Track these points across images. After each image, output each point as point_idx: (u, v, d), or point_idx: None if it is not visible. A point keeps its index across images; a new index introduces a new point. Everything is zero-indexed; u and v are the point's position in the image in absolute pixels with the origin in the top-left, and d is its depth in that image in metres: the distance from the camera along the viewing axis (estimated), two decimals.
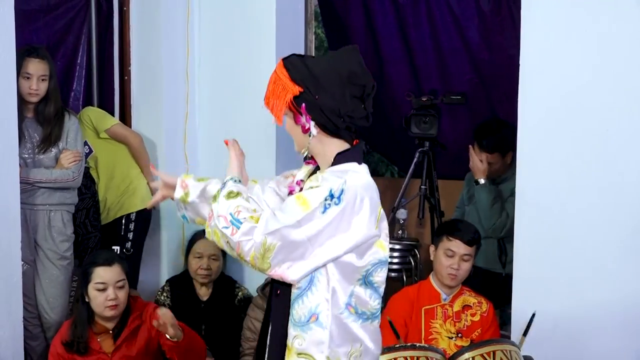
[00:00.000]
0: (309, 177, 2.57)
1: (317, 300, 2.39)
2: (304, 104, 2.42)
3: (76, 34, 5.35)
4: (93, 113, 4.80)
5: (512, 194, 4.63)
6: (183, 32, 4.96)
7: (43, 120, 4.36)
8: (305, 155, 2.55)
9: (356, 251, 2.38)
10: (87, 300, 3.79)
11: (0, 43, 3.73)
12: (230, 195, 2.41)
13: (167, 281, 4.74)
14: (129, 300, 3.86)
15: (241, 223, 2.33)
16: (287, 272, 2.34)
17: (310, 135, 2.45)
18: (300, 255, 2.33)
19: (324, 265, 2.36)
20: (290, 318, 2.43)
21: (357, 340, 2.43)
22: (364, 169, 2.46)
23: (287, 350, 2.43)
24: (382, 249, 2.45)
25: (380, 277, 2.45)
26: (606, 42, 3.58)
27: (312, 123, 2.43)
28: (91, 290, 3.77)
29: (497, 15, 5.21)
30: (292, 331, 2.42)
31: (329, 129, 2.43)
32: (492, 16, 5.25)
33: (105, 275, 3.77)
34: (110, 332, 3.80)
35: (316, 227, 2.32)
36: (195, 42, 5.02)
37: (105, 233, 4.80)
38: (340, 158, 2.45)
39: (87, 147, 4.72)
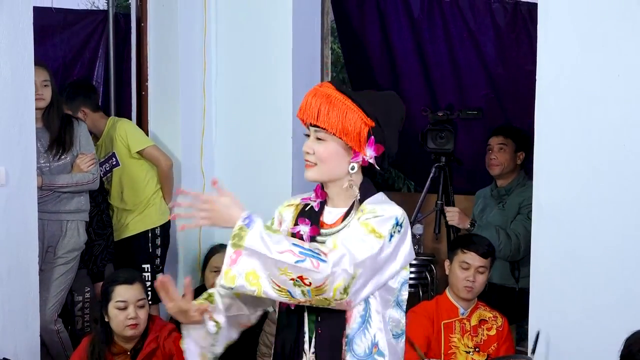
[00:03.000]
0: (306, 216, 2.50)
1: (374, 330, 2.40)
2: (372, 137, 2.39)
3: (94, 49, 5.40)
4: (130, 129, 4.81)
5: (520, 211, 4.62)
6: (200, 47, 4.99)
7: (50, 125, 4.41)
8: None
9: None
10: (106, 320, 3.74)
11: (20, 58, 3.78)
12: (274, 230, 2.33)
13: None
14: (148, 321, 3.81)
15: (319, 254, 2.23)
16: (351, 300, 2.31)
17: (353, 169, 2.41)
18: (363, 283, 2.31)
19: (372, 292, 2.37)
20: (350, 354, 2.39)
21: None
22: None
23: None
24: (406, 269, 2.47)
25: (405, 294, 2.48)
26: (623, 56, 3.57)
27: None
28: (111, 309, 3.71)
29: (512, 30, 5.22)
30: None
31: (375, 164, 2.42)
32: (507, 31, 5.26)
33: (126, 293, 3.72)
34: (129, 353, 3.75)
35: (386, 256, 2.33)
36: (212, 57, 5.05)
37: (124, 249, 4.81)
38: (366, 189, 2.44)
39: (114, 159, 4.75)
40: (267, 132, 4.88)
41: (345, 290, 2.24)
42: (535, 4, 3.84)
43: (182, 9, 4.92)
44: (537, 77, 3.77)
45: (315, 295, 2.23)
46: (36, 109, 4.30)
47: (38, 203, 4.01)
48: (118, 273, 4.03)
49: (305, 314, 2.44)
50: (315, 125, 2.41)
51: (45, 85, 4.35)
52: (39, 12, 4.58)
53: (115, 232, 4.83)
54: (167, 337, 3.78)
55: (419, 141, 5.03)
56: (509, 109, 5.39)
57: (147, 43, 5.04)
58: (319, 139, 2.42)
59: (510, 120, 5.31)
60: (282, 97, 4.79)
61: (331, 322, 2.40)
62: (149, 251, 4.74)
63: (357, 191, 2.44)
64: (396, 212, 2.37)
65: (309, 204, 2.52)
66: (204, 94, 5.02)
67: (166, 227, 4.84)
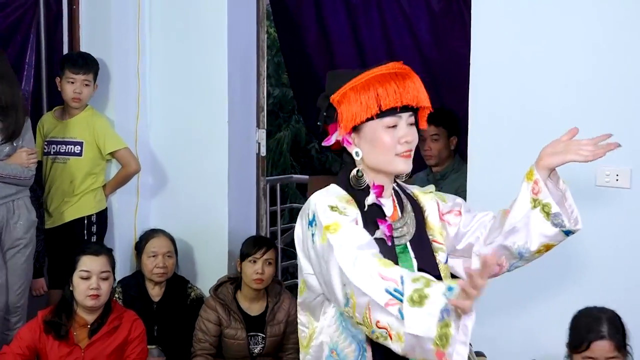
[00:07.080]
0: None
1: None
2: None
3: (25, 32, 5.27)
4: (108, 129, 4.74)
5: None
6: (134, 31, 4.93)
7: (9, 122, 4.21)
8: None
9: None
10: (71, 289, 3.85)
11: None
12: None
13: (119, 282, 4.69)
14: (112, 301, 3.94)
15: None
16: None
17: None
18: None
19: None
20: None
21: None
22: None
23: None
24: None
25: None
26: (556, 42, 3.62)
27: None
28: (76, 278, 3.83)
29: (447, 15, 5.25)
30: None
31: None
32: (442, 16, 5.29)
33: (90, 264, 3.85)
34: (89, 326, 3.83)
35: None
36: (146, 41, 4.99)
37: (58, 236, 4.73)
38: None
39: (79, 148, 4.67)
40: (203, 116, 4.85)
41: None
42: None
43: None
44: (471, 62, 3.82)
45: None
46: None
47: None
48: (87, 245, 4.16)
49: None
50: (411, 109, 2.26)
51: None
52: None
53: (50, 220, 4.74)
54: (134, 323, 3.92)
55: None
56: (444, 93, 5.43)
57: (79, 26, 4.95)
58: (411, 124, 2.28)
59: (445, 105, 5.36)
60: (217, 80, 4.76)
61: None
62: (84, 238, 4.67)
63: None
64: None
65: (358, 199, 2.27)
66: (138, 78, 4.96)
67: (102, 215, 4.78)
